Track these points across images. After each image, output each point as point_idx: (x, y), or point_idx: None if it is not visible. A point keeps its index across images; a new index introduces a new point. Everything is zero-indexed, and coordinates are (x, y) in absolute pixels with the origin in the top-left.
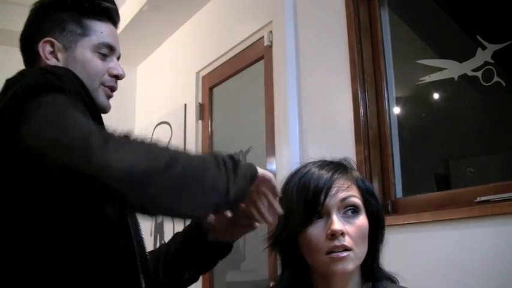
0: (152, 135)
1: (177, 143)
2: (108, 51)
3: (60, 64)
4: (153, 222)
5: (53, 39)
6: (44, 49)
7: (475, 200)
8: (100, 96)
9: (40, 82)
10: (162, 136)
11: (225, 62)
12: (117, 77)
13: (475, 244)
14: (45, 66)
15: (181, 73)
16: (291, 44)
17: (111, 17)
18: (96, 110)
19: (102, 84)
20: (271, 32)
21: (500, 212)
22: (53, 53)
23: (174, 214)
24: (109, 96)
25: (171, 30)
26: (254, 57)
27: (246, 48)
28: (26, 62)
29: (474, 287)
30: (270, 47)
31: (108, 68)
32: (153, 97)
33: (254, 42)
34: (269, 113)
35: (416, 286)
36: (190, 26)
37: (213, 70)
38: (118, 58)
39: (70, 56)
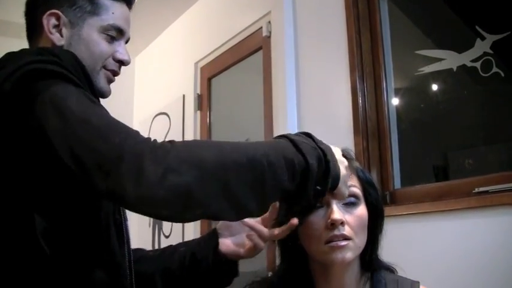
0: (150, 126)
1: (175, 133)
2: (116, 34)
3: (63, 41)
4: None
5: (59, 13)
6: (49, 22)
7: (473, 191)
8: (100, 79)
9: (46, 69)
10: (160, 127)
11: (224, 52)
12: (122, 63)
13: (473, 235)
14: (44, 47)
15: (179, 64)
16: (290, 35)
17: None
18: (95, 96)
19: (104, 67)
20: (269, 22)
21: (498, 203)
22: (57, 27)
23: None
24: (110, 81)
25: (170, 21)
26: (253, 48)
27: (245, 38)
28: (27, 31)
29: (472, 277)
30: (269, 37)
31: (114, 51)
32: (151, 88)
33: (253, 33)
34: (267, 103)
35: (415, 276)
36: (188, 16)
37: (211, 61)
38: (127, 41)
39: (75, 33)
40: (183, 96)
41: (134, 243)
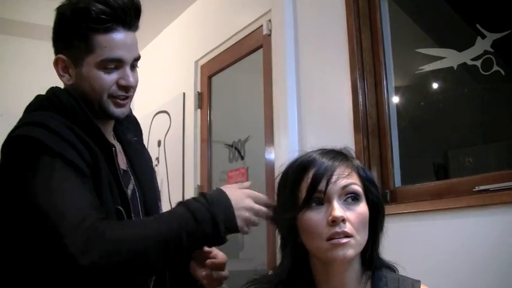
0: (151, 124)
1: (175, 131)
2: (114, 64)
3: (71, 81)
4: None
5: (63, 57)
6: (58, 67)
7: (474, 190)
8: (110, 107)
9: (41, 143)
10: (160, 125)
11: (224, 50)
12: (127, 87)
13: (474, 233)
14: (55, 89)
15: (180, 62)
16: (290, 33)
17: (119, 21)
18: (91, 124)
19: (111, 95)
20: (270, 20)
21: (498, 201)
22: (66, 68)
23: None
24: (119, 105)
25: (170, 19)
26: (253, 46)
27: (245, 37)
28: None
29: (472, 275)
30: (269, 35)
31: (117, 79)
32: (151, 86)
33: (253, 31)
34: (268, 102)
35: (415, 275)
36: (189, 15)
37: (211, 59)
38: (137, 60)
39: (79, 72)
40: (183, 94)
41: None
